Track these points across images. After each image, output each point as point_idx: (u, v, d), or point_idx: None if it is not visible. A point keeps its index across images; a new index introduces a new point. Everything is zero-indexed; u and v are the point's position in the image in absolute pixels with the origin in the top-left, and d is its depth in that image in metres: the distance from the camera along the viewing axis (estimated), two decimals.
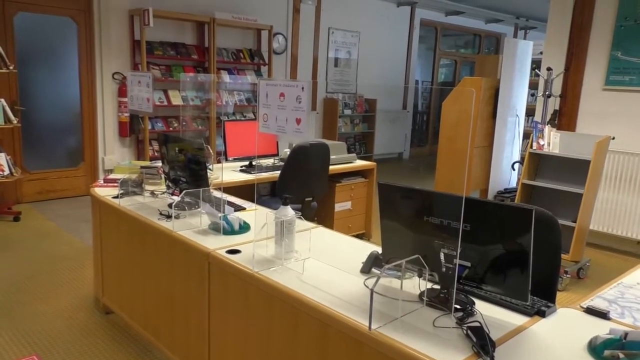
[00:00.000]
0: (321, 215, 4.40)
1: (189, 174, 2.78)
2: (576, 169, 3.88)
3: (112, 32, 5.83)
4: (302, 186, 3.61)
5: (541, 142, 3.93)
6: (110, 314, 3.11)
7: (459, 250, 1.59)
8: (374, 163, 4.62)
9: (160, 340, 2.56)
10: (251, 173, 3.83)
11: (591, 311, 1.65)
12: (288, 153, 4.41)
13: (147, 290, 2.61)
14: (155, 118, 6.23)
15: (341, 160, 4.44)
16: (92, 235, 3.20)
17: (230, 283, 2.01)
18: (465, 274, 1.64)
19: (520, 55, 5.29)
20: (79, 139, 5.91)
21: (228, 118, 6.68)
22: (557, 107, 4.82)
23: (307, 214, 3.71)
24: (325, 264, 2.00)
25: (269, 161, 4.33)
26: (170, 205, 2.73)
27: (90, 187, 3.21)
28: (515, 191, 5.31)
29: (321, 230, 2.51)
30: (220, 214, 2.37)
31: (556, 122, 4.71)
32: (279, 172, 3.88)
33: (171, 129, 6.31)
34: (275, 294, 1.80)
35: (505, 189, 5.35)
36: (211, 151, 3.86)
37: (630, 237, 4.44)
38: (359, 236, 4.68)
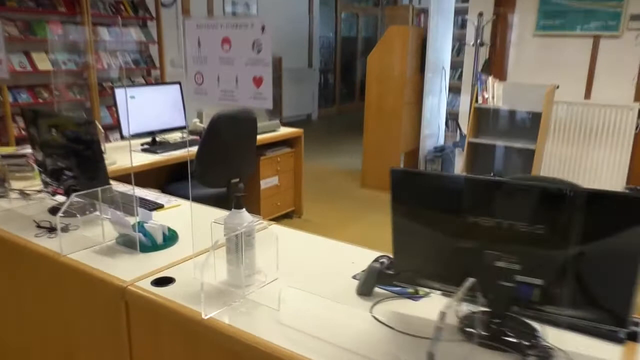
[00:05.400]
0: (244, 195, 3.72)
1: (75, 163, 1.97)
2: (521, 121, 3.60)
3: None
4: (226, 165, 2.91)
5: (485, 95, 3.58)
6: None
7: (512, 263, 1.08)
8: (301, 130, 4.01)
9: None
10: (157, 152, 3.04)
11: None
12: (198, 124, 3.65)
13: (31, 350, 1.82)
14: (18, 88, 5.00)
15: (263, 129, 3.77)
16: None
17: (164, 336, 1.33)
18: (533, 296, 1.13)
19: (444, 2, 4.89)
20: None
21: (114, 84, 5.61)
22: (486, 57, 4.52)
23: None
24: (305, 290, 1.39)
25: (176, 135, 3.54)
26: (52, 211, 1.93)
27: None
28: (443, 150, 5.03)
29: (273, 231, 1.87)
30: (132, 222, 1.64)
31: (489, 72, 4.41)
32: (192, 149, 3.13)
33: (41, 100, 5.12)
34: (244, 352, 1.17)
35: (434, 148, 5.05)
36: (101, 128, 2.99)
37: None
38: (289, 214, 4.11)
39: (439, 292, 1.31)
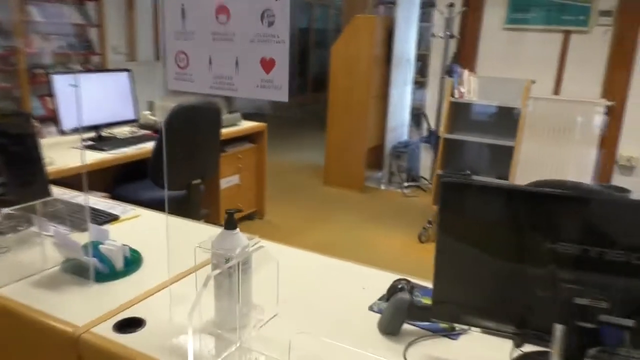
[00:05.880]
0: (203, 197, 3.37)
1: (4, 165, 1.59)
2: (495, 117, 3.46)
3: None
4: (187, 165, 2.55)
5: (462, 89, 3.40)
6: None
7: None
8: (264, 124, 3.69)
9: None
10: (104, 150, 2.63)
11: None
12: (150, 117, 3.26)
13: None
14: None
15: (223, 123, 3.41)
16: None
17: None
18: (620, 340, 0.91)
19: None
20: None
21: (46, 71, 5.01)
22: (454, 50, 4.37)
23: (195, 203, 2.69)
24: (319, 334, 1.11)
25: (124, 130, 3.13)
26: None
27: None
28: (407, 146, 4.86)
29: (269, 252, 1.56)
30: (84, 243, 1.29)
31: (458, 65, 4.25)
32: (143, 145, 2.76)
33: None
34: None
35: (399, 143, 4.86)
36: (37, 121, 2.55)
37: None
38: (250, 216, 3.79)
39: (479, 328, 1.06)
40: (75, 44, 5.35)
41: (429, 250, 3.57)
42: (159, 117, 3.21)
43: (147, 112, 3.28)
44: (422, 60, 5.22)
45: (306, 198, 4.47)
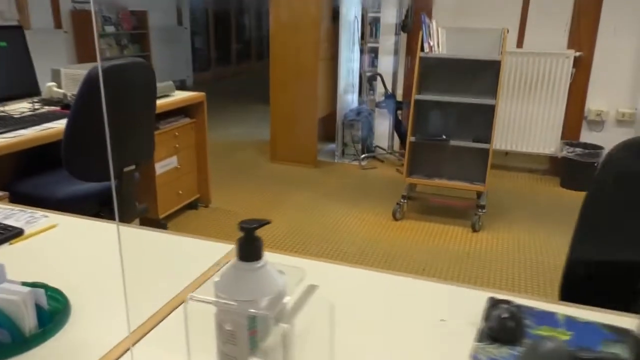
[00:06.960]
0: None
1: None
2: (467, 73, 3.09)
3: None
4: (118, 147, 1.92)
5: (431, 43, 2.99)
6: None
7: None
8: (202, 93, 3.07)
9: None
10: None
11: None
12: (56, 89, 2.57)
13: None
14: None
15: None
16: None
17: None
18: None
19: None
20: None
21: None
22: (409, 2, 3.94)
23: (130, 196, 2.07)
24: None
25: (23, 106, 2.42)
26: None
27: None
28: (360, 113, 4.42)
29: (321, 294, 1.04)
30: None
31: (412, 19, 3.84)
32: (52, 124, 2.11)
33: None
34: None
35: (350, 111, 4.39)
36: None
37: (521, 150, 3.92)
38: (193, 204, 3.20)
39: None
40: None
41: (407, 229, 3.18)
42: (67, 89, 2.52)
43: (52, 84, 2.57)
44: (362, 21, 4.76)
45: (254, 179, 3.93)
